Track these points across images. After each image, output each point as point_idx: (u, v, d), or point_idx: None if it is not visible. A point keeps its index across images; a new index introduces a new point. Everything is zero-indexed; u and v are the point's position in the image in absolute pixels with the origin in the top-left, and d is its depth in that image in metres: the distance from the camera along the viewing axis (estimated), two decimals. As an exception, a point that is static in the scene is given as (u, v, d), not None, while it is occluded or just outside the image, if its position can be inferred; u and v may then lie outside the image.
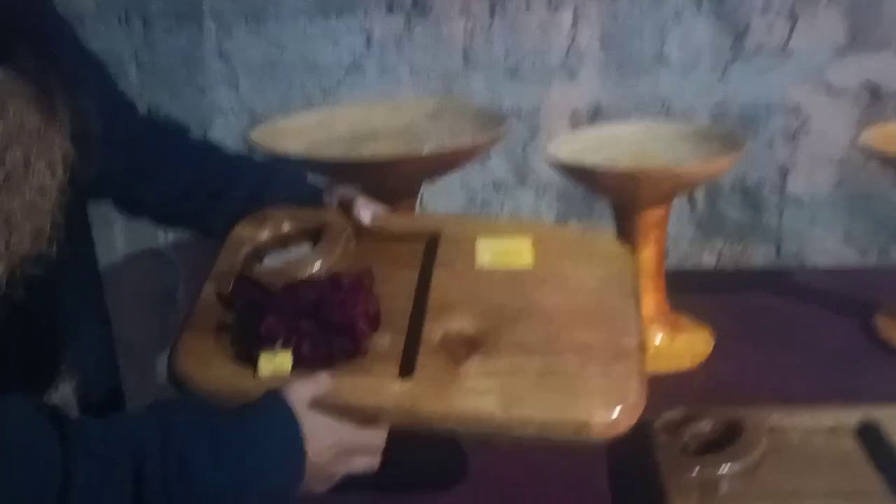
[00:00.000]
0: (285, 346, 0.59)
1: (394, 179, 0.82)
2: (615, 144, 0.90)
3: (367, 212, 0.71)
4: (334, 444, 0.56)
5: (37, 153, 0.52)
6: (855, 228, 1.22)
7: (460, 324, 0.61)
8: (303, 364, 0.59)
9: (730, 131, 0.86)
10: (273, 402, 0.55)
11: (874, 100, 1.14)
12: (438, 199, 1.32)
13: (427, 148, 0.76)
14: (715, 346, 0.89)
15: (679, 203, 1.25)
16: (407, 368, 0.58)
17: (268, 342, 0.59)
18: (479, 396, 0.56)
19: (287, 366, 0.58)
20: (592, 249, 0.67)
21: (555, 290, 0.63)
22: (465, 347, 0.59)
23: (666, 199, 0.82)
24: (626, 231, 0.85)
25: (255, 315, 0.60)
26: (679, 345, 0.88)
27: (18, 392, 0.51)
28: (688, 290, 0.99)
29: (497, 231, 0.68)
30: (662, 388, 0.82)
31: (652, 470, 0.66)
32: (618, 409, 0.55)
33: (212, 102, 1.30)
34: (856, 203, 1.20)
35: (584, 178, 0.82)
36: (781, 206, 1.24)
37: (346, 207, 0.72)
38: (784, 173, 1.21)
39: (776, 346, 0.90)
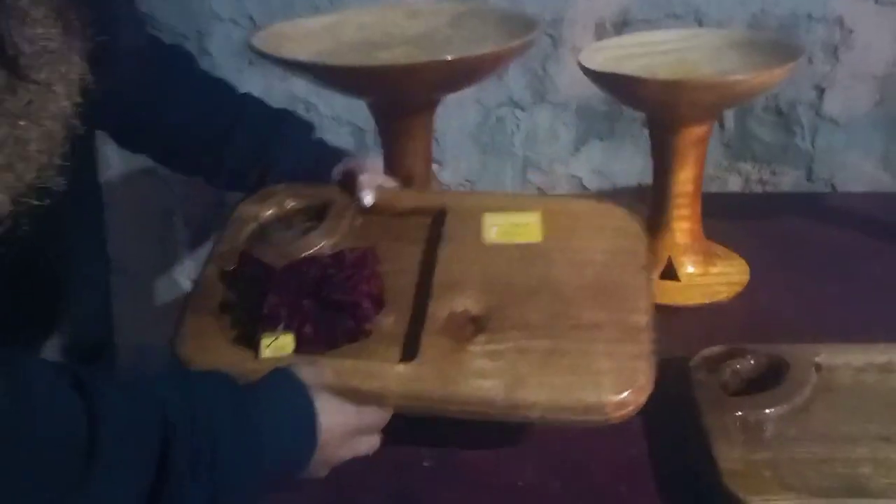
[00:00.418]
0: (287, 327, 0.58)
1: (412, 90, 0.74)
2: (652, 53, 0.82)
3: (369, 194, 0.70)
4: (343, 423, 0.55)
5: (58, 75, 0.47)
6: (893, 151, 1.15)
7: (465, 302, 0.60)
8: (305, 345, 0.58)
9: (780, 39, 0.78)
10: (286, 377, 0.55)
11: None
12: (451, 116, 1.25)
13: (451, 54, 0.68)
14: (751, 277, 0.83)
15: (707, 122, 1.18)
16: (411, 350, 0.57)
17: (270, 322, 0.58)
18: (483, 380, 0.55)
19: (289, 348, 0.58)
20: (604, 223, 0.65)
21: (564, 266, 0.61)
22: (471, 327, 0.58)
23: (710, 114, 0.75)
24: (663, 150, 0.78)
25: (258, 293, 0.59)
26: (714, 275, 0.82)
27: (25, 346, 0.51)
28: (716, 216, 0.93)
29: (505, 205, 0.67)
30: (698, 323, 0.78)
31: (692, 410, 0.61)
32: (626, 392, 0.54)
33: (209, 8, 1.21)
34: (894, 125, 1.13)
35: (620, 88, 0.75)
36: (815, 127, 1.17)
37: (351, 182, 0.71)
38: (821, 91, 1.14)
39: (816, 276, 0.84)
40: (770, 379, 0.63)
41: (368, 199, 0.69)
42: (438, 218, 0.67)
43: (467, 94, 1.23)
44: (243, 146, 0.74)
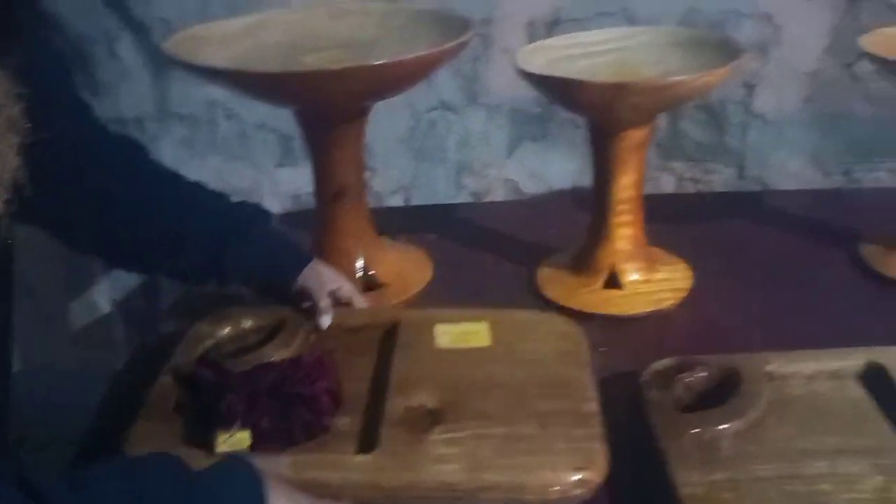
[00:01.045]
0: (244, 424, 0.58)
1: (341, 97, 0.70)
2: (592, 54, 0.79)
3: (327, 318, 0.72)
4: None
5: None
6: (823, 148, 1.16)
7: (421, 398, 0.62)
8: (263, 441, 0.58)
9: (721, 37, 0.76)
10: (239, 466, 0.52)
11: (849, 4, 1.06)
12: (381, 122, 1.20)
13: (382, 58, 0.64)
14: (694, 281, 0.82)
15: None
16: (369, 442, 0.58)
17: (227, 420, 0.58)
18: (444, 464, 0.56)
19: (245, 443, 0.58)
20: (547, 329, 0.70)
21: (513, 365, 0.65)
22: (428, 419, 0.60)
23: (650, 117, 0.73)
24: (604, 156, 0.76)
25: (215, 394, 0.59)
26: (658, 282, 0.80)
27: None
28: (653, 219, 0.91)
29: (454, 318, 0.71)
30: (645, 333, 0.76)
31: (646, 431, 0.58)
32: (585, 471, 0.55)
33: (118, 11, 1.13)
34: (824, 120, 1.14)
35: (559, 92, 0.72)
36: (745, 125, 1.17)
37: (307, 297, 0.73)
38: (751, 88, 1.14)
39: (757, 279, 0.83)
40: (723, 391, 0.61)
41: (326, 321, 0.71)
42: (391, 330, 0.70)
43: (397, 98, 1.19)
44: (198, 246, 0.70)
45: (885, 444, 0.56)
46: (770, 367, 0.63)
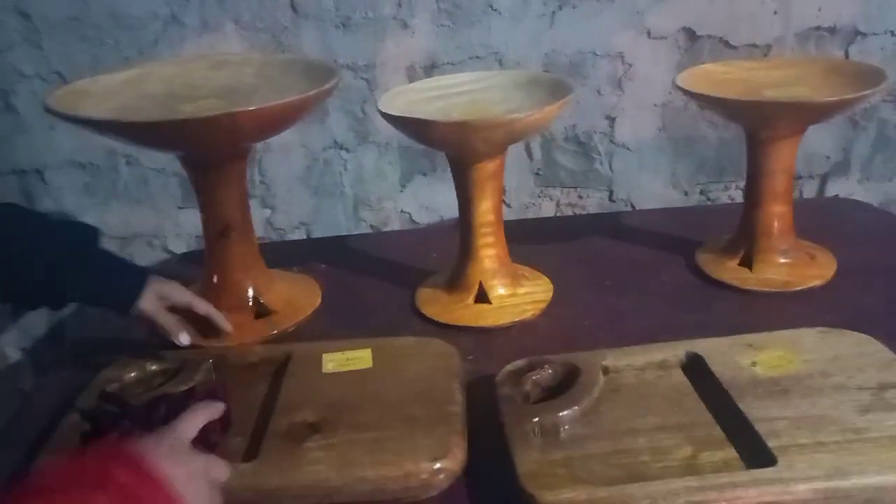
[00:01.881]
0: None
1: (218, 141, 0.76)
2: (449, 95, 0.88)
3: (183, 336, 0.80)
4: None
5: None
6: (678, 170, 1.29)
7: (304, 416, 0.68)
8: None
9: (556, 79, 0.86)
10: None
11: (690, 43, 1.20)
12: (278, 162, 1.27)
13: (251, 104, 0.71)
14: (555, 294, 0.91)
15: (518, 155, 1.27)
16: (252, 454, 0.65)
17: None
18: (317, 465, 0.62)
19: None
20: (424, 351, 0.77)
21: (391, 383, 0.72)
22: (308, 432, 0.66)
23: (500, 149, 0.82)
24: (463, 184, 0.85)
25: (115, 423, 0.65)
26: (521, 295, 0.89)
27: None
28: (528, 241, 1.01)
29: (342, 347, 0.78)
30: (506, 342, 0.84)
31: (499, 423, 0.66)
32: (441, 461, 0.62)
33: (12, 65, 1.17)
34: (678, 146, 1.27)
35: (417, 131, 0.81)
36: (611, 153, 1.28)
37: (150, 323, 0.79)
38: (612, 120, 1.26)
39: (612, 289, 0.93)
40: (565, 385, 0.70)
41: (183, 339, 0.80)
42: (284, 363, 0.77)
43: (291, 139, 1.26)
44: (31, 268, 0.72)
45: (697, 419, 0.66)
46: (606, 362, 0.72)
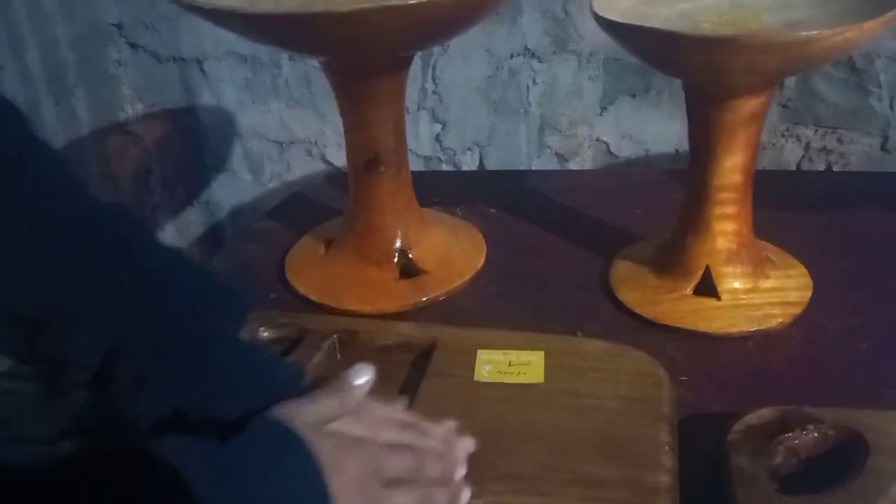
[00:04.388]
0: None
1: (373, 42, 0.56)
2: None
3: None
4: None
5: None
6: None
7: None
8: None
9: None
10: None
11: None
12: (455, 68, 1.07)
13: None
14: (814, 294, 0.64)
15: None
16: None
17: None
18: None
19: None
20: (618, 367, 0.56)
21: (566, 412, 0.52)
22: None
23: (769, 82, 0.55)
24: (704, 130, 0.59)
25: None
26: (764, 293, 0.63)
27: None
28: (764, 202, 0.73)
29: (505, 342, 0.58)
30: (739, 362, 0.59)
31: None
32: None
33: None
34: None
35: (648, 46, 0.56)
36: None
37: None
38: (906, 42, 0.92)
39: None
40: (838, 460, 0.45)
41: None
42: (426, 352, 0.59)
43: (473, 40, 1.05)
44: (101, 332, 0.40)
45: None
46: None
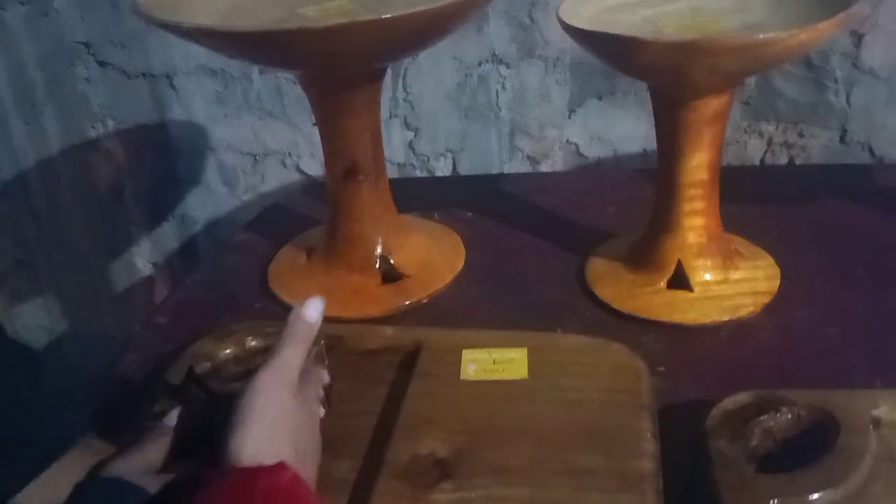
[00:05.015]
0: None
1: (349, 55, 0.57)
2: (659, 1, 0.64)
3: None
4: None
5: None
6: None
7: (432, 444, 0.51)
8: None
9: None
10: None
11: None
12: (425, 77, 1.08)
13: (395, 6, 0.51)
14: (783, 283, 0.67)
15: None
16: (361, 499, 0.48)
17: None
18: None
19: None
20: (599, 360, 0.57)
21: (551, 406, 0.54)
22: (436, 472, 0.49)
23: (730, 82, 0.58)
24: (670, 130, 0.61)
25: (197, 410, 0.50)
26: (734, 284, 0.66)
27: None
28: (731, 197, 0.75)
29: (489, 342, 0.59)
30: (713, 350, 0.61)
31: (709, 492, 0.45)
32: None
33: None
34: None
35: (613, 52, 0.58)
36: (852, 81, 0.99)
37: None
38: (859, 38, 0.95)
39: (870, 283, 0.67)
40: (812, 440, 0.48)
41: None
42: (412, 354, 0.60)
43: (442, 49, 1.06)
44: None
45: None
46: (879, 411, 0.49)
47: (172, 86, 1.16)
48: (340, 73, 0.62)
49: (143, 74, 1.16)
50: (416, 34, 0.58)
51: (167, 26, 0.55)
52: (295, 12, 0.62)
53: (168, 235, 1.31)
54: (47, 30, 1.13)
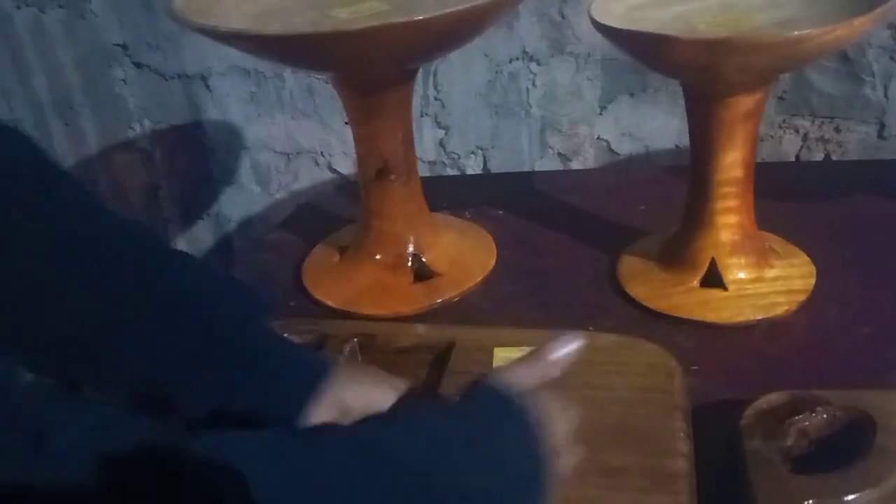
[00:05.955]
0: None
1: (382, 57, 0.58)
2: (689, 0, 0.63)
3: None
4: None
5: None
6: None
7: None
8: None
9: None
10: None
11: None
12: (455, 75, 1.08)
13: (427, 6, 0.52)
14: (818, 282, 0.66)
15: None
16: None
17: None
18: None
19: None
20: (630, 359, 0.57)
21: (582, 404, 0.50)
22: None
23: (764, 80, 0.57)
24: (703, 127, 0.61)
25: None
26: (769, 282, 0.65)
27: None
28: (766, 193, 0.74)
29: (520, 340, 0.59)
30: (747, 349, 0.61)
31: (744, 492, 0.45)
32: None
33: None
34: None
35: (644, 49, 0.57)
36: (890, 74, 0.97)
37: None
38: (898, 31, 0.94)
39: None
40: (848, 441, 0.47)
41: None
42: (444, 352, 0.60)
43: (472, 47, 1.06)
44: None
45: None
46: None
47: (207, 86, 1.18)
48: (373, 74, 0.62)
49: (179, 75, 1.18)
50: (448, 35, 0.58)
51: (203, 30, 0.56)
52: (327, 14, 0.63)
53: (203, 234, 1.33)
54: (84, 32, 1.15)
